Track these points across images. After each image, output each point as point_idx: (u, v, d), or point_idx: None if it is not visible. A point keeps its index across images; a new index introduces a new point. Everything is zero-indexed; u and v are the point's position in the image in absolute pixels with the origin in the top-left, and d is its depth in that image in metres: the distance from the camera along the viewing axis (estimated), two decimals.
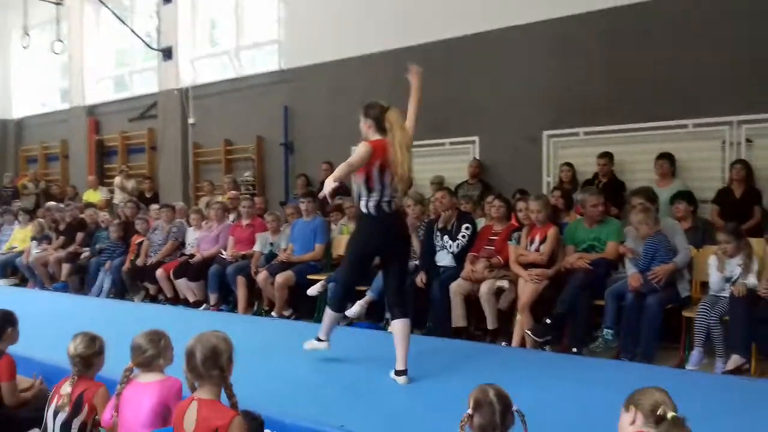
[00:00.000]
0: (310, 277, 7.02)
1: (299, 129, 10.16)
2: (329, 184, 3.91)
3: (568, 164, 7.55)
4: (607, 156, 7.23)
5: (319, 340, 4.57)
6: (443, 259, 6.18)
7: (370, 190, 4.13)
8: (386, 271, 4.41)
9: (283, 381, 4.26)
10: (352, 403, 3.79)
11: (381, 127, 4.15)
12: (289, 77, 10.22)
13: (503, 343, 5.52)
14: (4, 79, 15.20)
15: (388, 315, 6.22)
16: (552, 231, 5.48)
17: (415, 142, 8.54)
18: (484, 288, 5.58)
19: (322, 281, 6.75)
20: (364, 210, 4.18)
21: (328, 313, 4.53)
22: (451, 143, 8.69)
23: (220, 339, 2.82)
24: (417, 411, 3.63)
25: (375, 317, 6.52)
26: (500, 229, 6.02)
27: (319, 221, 7.54)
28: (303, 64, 9.99)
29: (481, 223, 6.68)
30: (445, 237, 6.18)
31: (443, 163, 8.74)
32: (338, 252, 7.55)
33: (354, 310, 6.24)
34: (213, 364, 2.69)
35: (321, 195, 4.05)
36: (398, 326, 4.19)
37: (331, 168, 9.24)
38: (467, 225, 6.18)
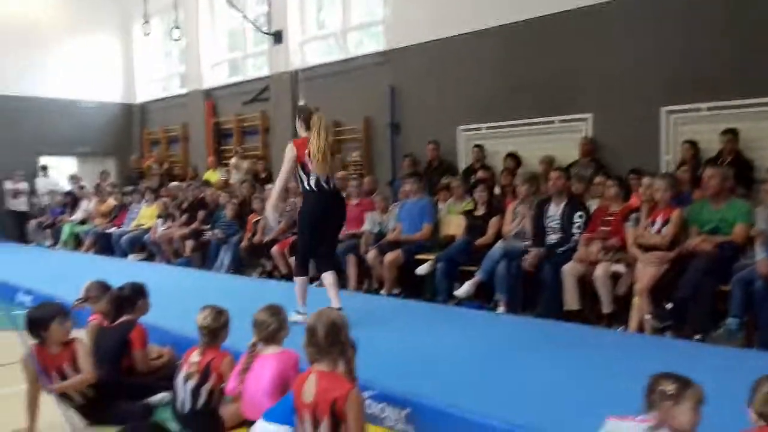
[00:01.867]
0: (418, 256, 7.07)
1: (405, 109, 10.18)
2: (269, 213, 5.43)
3: (690, 142, 7.14)
4: (732, 132, 6.77)
5: (298, 312, 5.03)
6: (554, 240, 6.05)
7: (307, 173, 5.03)
8: (322, 237, 5.23)
9: (395, 356, 4.34)
10: (463, 381, 3.81)
11: (308, 127, 5.07)
12: (394, 57, 10.24)
13: (620, 328, 5.35)
14: (128, 66, 16.15)
15: (497, 296, 6.19)
16: (676, 213, 5.22)
17: (523, 121, 8.59)
18: (600, 271, 5.42)
19: (430, 261, 6.79)
20: (307, 188, 5.08)
21: (297, 282, 5.28)
22: (562, 121, 8.42)
23: (339, 316, 2.92)
24: (531, 392, 3.60)
25: (484, 298, 6.49)
26: (616, 209, 5.80)
27: (426, 201, 7.57)
28: (408, 44, 9.97)
29: (594, 203, 6.48)
30: (556, 221, 6.05)
31: (553, 141, 8.50)
32: (446, 231, 7.56)
33: (463, 290, 6.28)
34: (334, 339, 2.79)
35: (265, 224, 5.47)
36: (329, 278, 5.19)
37: (438, 147, 9.26)
38: (580, 213, 6.00)
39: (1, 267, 8.38)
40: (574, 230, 5.93)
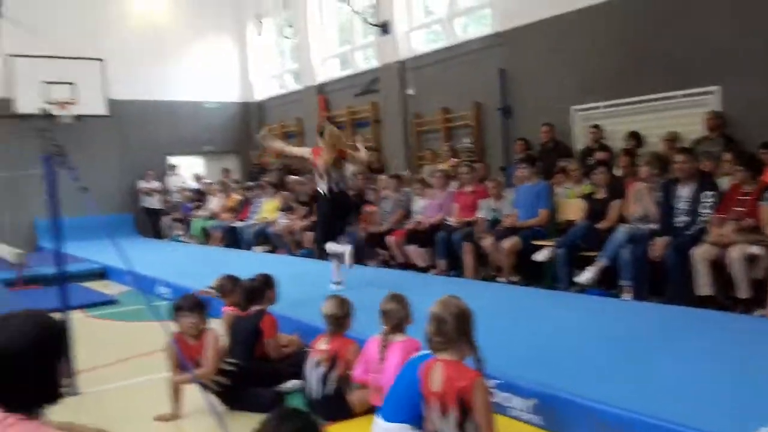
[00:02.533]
0: (536, 242, 6.95)
1: (516, 92, 9.99)
2: (268, 142, 7.24)
3: None
4: None
5: (336, 283, 6.50)
6: (683, 222, 5.75)
7: (321, 178, 6.31)
8: (340, 222, 6.63)
9: (519, 345, 4.31)
10: (591, 370, 3.72)
11: (321, 136, 6.37)
12: (503, 40, 10.05)
13: (758, 313, 5.01)
14: (244, 66, 16.87)
15: (622, 282, 5.98)
16: None
17: (643, 97, 8.19)
18: (735, 254, 5.10)
19: (549, 246, 6.66)
20: (320, 191, 6.41)
21: (330, 262, 6.67)
22: (686, 95, 7.95)
23: (464, 305, 2.91)
24: (663, 381, 3.46)
25: (607, 284, 6.28)
26: (751, 188, 5.43)
27: (543, 186, 7.41)
28: (518, 25, 9.76)
29: (725, 181, 6.09)
30: (684, 202, 5.75)
31: (676, 117, 8.05)
32: (564, 216, 7.38)
33: (585, 276, 6.13)
34: (463, 329, 2.81)
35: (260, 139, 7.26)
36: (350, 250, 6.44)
37: (552, 129, 9.02)
38: (712, 193, 5.64)
39: (141, 261, 9.00)
40: (704, 212, 5.60)
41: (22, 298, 7.21)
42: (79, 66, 12.98)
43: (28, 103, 11.64)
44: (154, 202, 14.97)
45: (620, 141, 8.34)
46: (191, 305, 4.13)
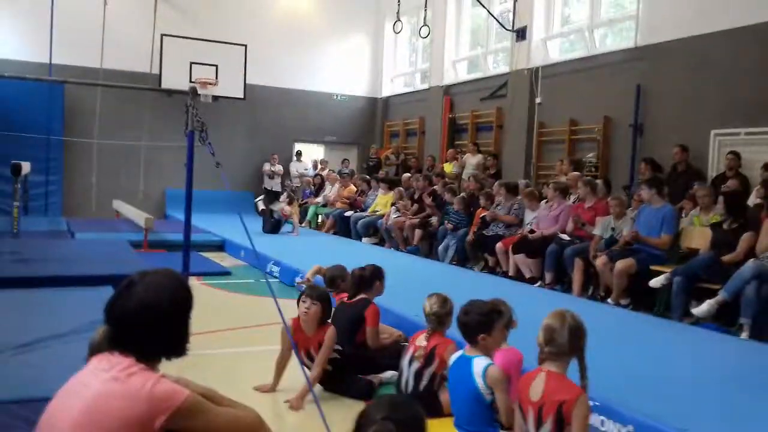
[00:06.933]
0: (653, 267, 6.64)
1: (651, 109, 9.56)
2: None
3: None
4: None
5: None
6: None
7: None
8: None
9: (621, 370, 4.15)
10: (697, 406, 3.54)
11: None
12: (644, 54, 9.64)
13: None
14: (376, 62, 17.20)
15: (742, 320, 5.61)
16: None
17: (753, 129, 7.57)
18: None
19: (666, 273, 6.35)
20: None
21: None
22: None
23: (579, 319, 2.83)
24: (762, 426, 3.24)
25: (724, 320, 5.91)
26: None
27: (668, 209, 7.05)
28: (662, 40, 9.32)
29: None
30: None
31: None
32: (687, 244, 7.00)
33: (703, 308, 5.79)
34: (576, 344, 2.75)
35: None
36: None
37: (685, 152, 8.53)
38: None
39: (256, 240, 9.34)
40: None
41: (147, 259, 7.68)
42: (223, 49, 13.72)
43: (172, 80, 12.43)
44: (275, 185, 15.56)
45: (759, 171, 7.79)
46: (319, 296, 4.16)
